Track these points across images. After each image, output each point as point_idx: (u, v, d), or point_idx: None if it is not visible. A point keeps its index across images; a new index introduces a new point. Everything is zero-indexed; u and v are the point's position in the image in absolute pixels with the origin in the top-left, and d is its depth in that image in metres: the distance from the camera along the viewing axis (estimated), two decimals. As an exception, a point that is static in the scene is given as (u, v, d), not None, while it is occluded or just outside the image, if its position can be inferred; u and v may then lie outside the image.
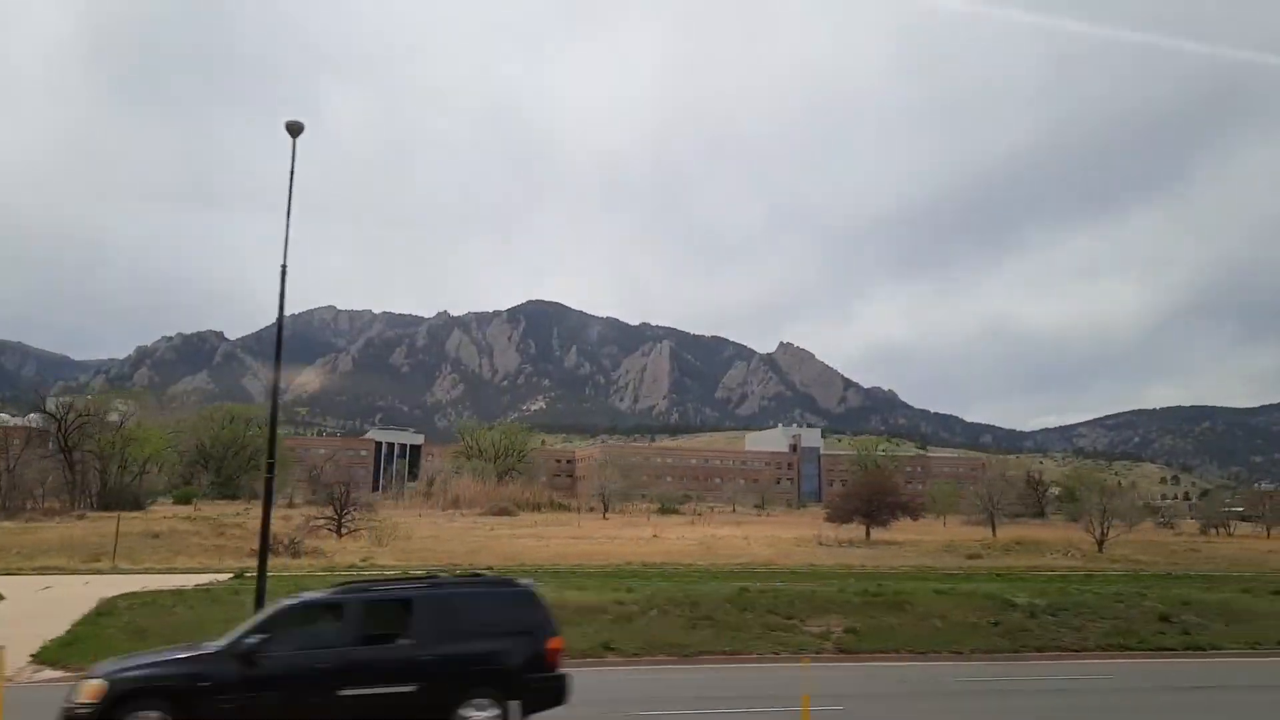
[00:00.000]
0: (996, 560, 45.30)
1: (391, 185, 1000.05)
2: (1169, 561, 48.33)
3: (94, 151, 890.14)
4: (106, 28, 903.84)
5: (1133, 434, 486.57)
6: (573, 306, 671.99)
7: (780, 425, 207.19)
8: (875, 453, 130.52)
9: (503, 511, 76.28)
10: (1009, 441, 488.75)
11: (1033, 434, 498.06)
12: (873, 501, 50.50)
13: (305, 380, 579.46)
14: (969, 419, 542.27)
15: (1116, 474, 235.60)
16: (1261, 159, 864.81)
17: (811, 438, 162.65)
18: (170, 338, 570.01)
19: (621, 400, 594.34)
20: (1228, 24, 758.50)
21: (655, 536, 50.51)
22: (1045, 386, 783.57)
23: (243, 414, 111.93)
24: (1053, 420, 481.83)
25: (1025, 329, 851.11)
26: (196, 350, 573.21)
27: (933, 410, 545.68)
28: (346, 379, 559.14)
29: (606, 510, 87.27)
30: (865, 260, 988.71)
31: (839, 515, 52.12)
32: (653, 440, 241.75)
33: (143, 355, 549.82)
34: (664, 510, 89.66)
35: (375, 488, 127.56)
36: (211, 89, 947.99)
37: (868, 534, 51.13)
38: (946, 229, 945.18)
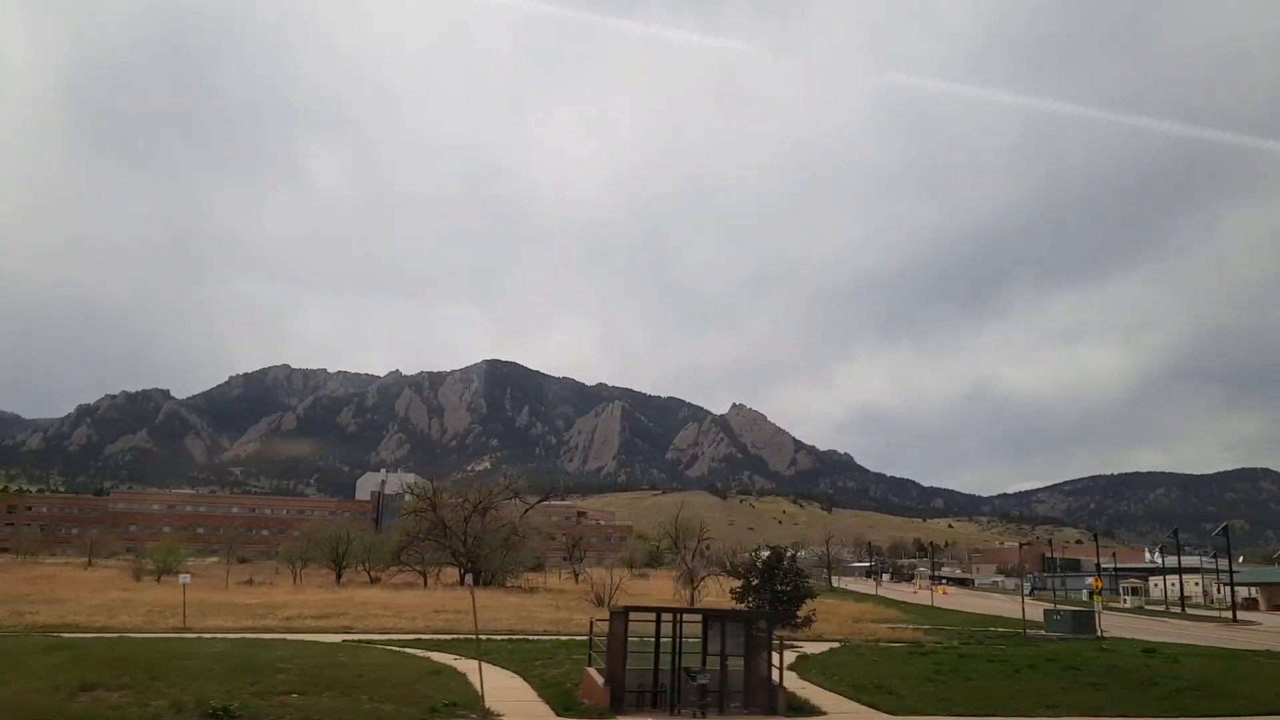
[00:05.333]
0: None
1: (367, 244, 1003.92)
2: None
3: (67, 208, 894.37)
4: (84, 84, 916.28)
5: (1089, 500, 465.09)
6: (531, 366, 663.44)
7: (384, 470, 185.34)
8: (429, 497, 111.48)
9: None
10: (964, 506, 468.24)
11: (990, 499, 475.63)
12: None
13: (246, 440, 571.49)
14: (926, 484, 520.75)
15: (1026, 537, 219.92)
16: (1242, 226, 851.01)
17: (398, 484, 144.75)
18: (114, 396, 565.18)
19: (571, 461, 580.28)
20: (1205, 102, 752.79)
21: None
22: (1024, 452, 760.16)
23: None
24: (1012, 486, 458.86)
25: (1006, 393, 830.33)
26: (140, 409, 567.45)
27: (888, 474, 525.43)
28: (287, 439, 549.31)
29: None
30: (842, 323, 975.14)
31: None
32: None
33: (83, 414, 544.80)
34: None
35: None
36: (189, 147, 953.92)
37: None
38: (927, 293, 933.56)
